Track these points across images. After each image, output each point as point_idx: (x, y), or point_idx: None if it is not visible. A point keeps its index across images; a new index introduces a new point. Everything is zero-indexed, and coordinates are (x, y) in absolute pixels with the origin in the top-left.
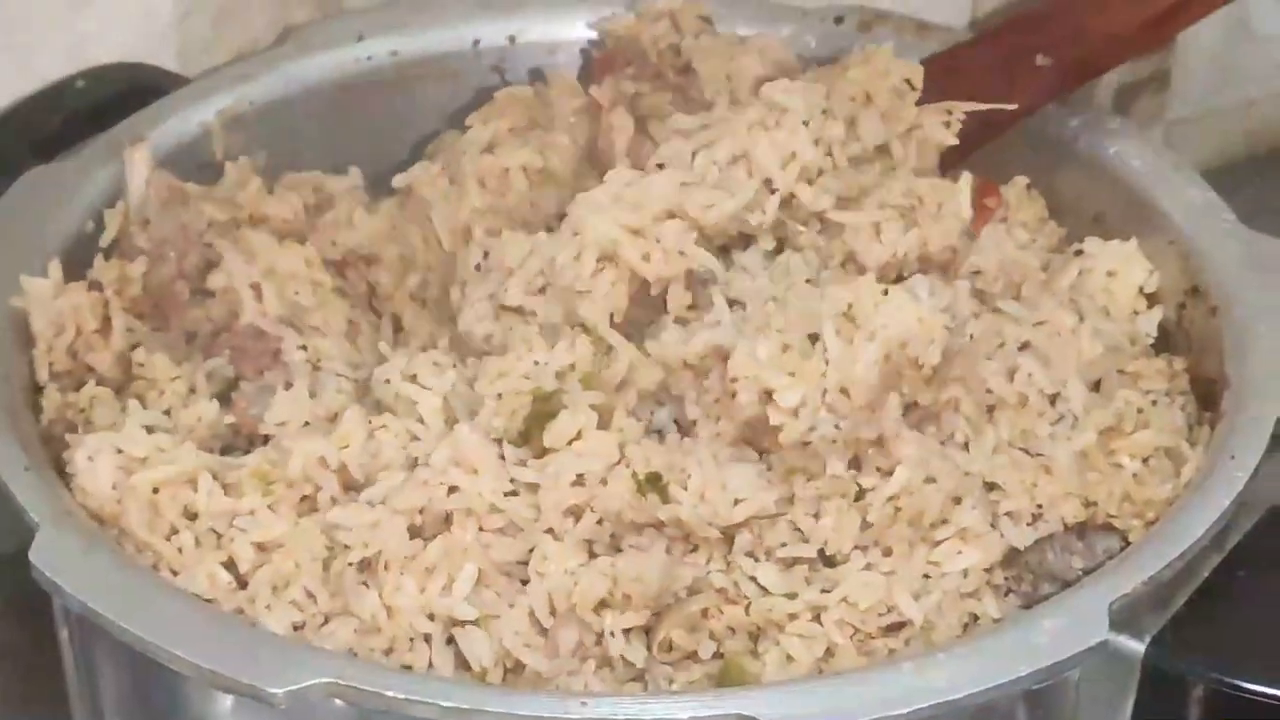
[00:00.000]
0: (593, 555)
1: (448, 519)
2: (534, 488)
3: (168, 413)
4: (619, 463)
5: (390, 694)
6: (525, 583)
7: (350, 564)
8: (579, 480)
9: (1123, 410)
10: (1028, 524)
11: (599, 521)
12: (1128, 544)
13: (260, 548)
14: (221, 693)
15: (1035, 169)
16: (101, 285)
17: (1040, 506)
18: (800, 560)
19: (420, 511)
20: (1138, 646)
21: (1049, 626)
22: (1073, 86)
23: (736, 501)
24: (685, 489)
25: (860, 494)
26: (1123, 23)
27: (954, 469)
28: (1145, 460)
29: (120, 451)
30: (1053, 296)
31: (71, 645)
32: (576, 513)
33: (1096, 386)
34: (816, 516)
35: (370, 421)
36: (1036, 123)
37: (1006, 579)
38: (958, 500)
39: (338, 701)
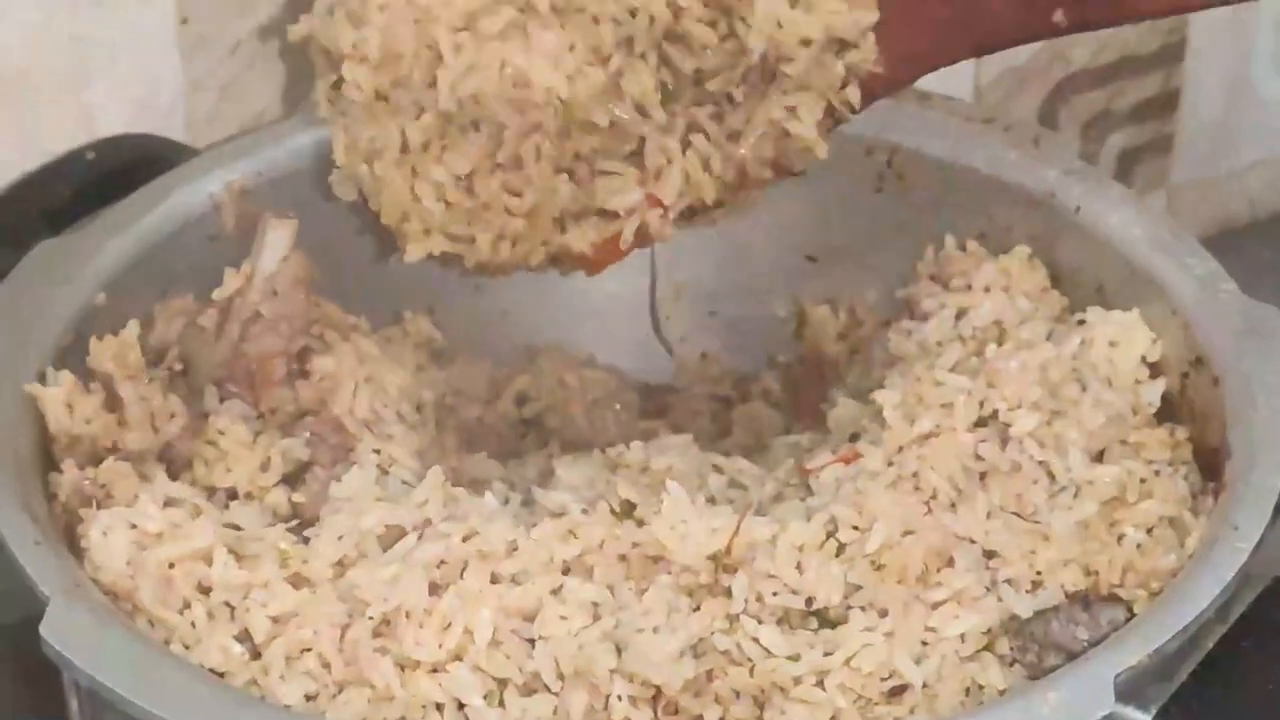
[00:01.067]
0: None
1: (463, 571)
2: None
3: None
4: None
5: None
6: (533, 641)
7: (370, 619)
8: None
9: (1125, 480)
10: (1027, 591)
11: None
12: (1132, 615)
13: (275, 619)
14: None
15: (1037, 238)
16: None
17: (1039, 574)
18: (793, 611)
19: (439, 565)
20: (1144, 719)
21: (1054, 699)
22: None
23: (713, 530)
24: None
25: (840, 549)
26: None
27: (935, 524)
28: (1149, 530)
29: (134, 527)
30: (1055, 366)
31: (81, 717)
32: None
33: (1100, 456)
34: (799, 569)
35: None
36: (1038, 191)
37: (1012, 649)
38: (950, 562)
39: None
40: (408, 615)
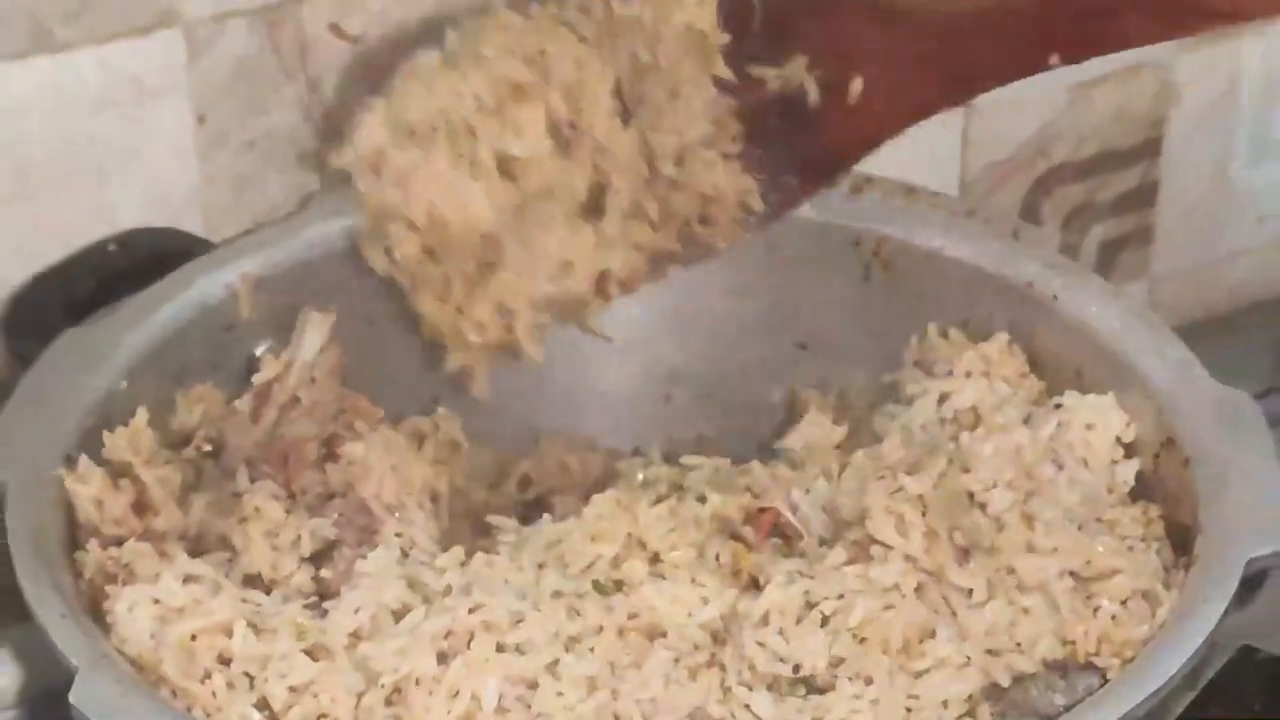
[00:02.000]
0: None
1: (469, 642)
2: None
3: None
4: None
5: None
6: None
7: (382, 686)
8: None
9: (1101, 555)
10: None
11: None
12: (1106, 681)
13: (293, 689)
14: None
15: (1017, 326)
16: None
17: (1019, 644)
18: (782, 679)
19: (446, 636)
20: None
21: None
22: None
23: (705, 600)
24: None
25: (825, 620)
26: None
27: (915, 603)
28: (1123, 602)
29: (158, 602)
30: (1029, 448)
31: None
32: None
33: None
34: (785, 637)
35: None
36: (1018, 281)
37: (993, 715)
38: (932, 634)
39: None
40: (418, 683)
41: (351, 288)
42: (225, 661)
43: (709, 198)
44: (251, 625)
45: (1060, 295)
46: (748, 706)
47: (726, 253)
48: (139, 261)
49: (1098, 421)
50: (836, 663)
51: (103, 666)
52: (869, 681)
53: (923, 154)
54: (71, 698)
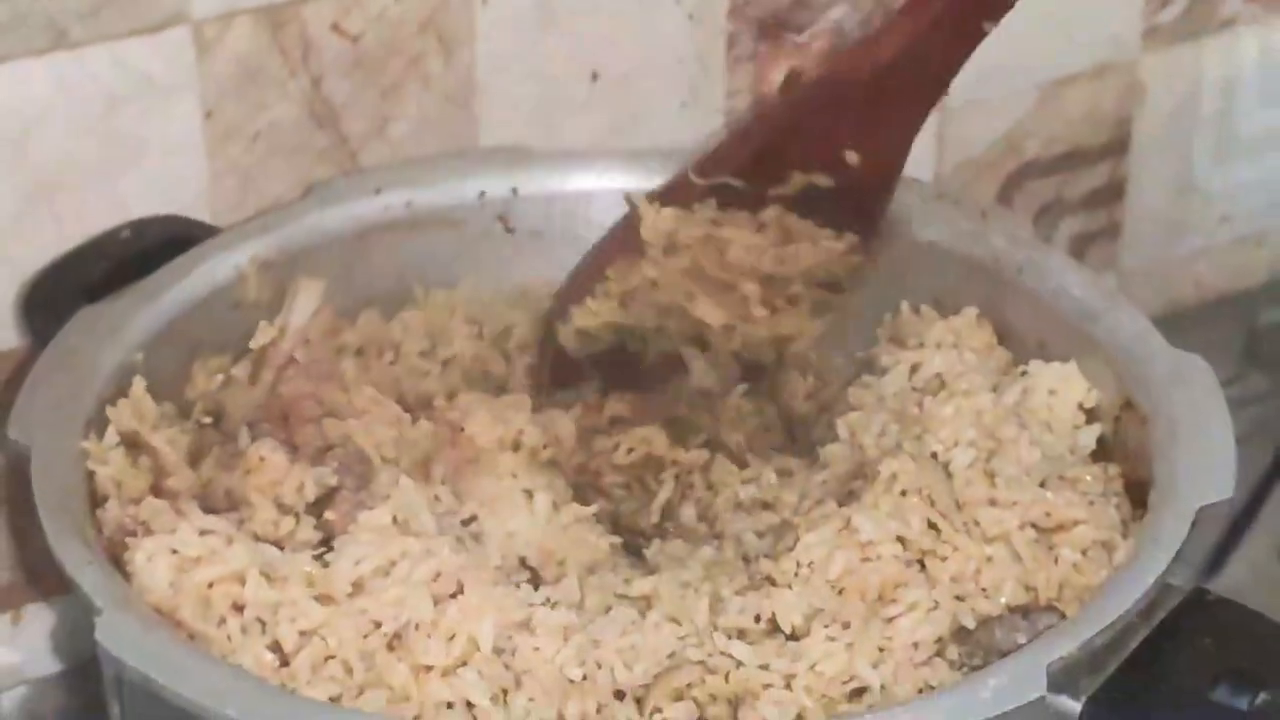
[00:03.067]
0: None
1: (456, 592)
2: None
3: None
4: None
5: None
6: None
7: (384, 634)
8: None
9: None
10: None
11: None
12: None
13: (303, 633)
14: None
15: (985, 301)
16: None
17: (985, 590)
18: (758, 630)
19: (435, 579)
20: (1074, 705)
21: (993, 684)
22: None
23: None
24: None
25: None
26: None
27: (892, 558)
28: (1084, 552)
29: (176, 552)
30: (990, 411)
31: None
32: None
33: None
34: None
35: None
36: (986, 258)
37: (960, 655)
38: (904, 583)
39: None
40: (417, 627)
41: (352, 271)
42: (239, 609)
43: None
44: (264, 574)
45: (1025, 270)
46: (728, 653)
47: None
48: (150, 247)
49: (1060, 387)
50: (813, 614)
51: (126, 608)
52: (845, 626)
53: None
54: (97, 635)
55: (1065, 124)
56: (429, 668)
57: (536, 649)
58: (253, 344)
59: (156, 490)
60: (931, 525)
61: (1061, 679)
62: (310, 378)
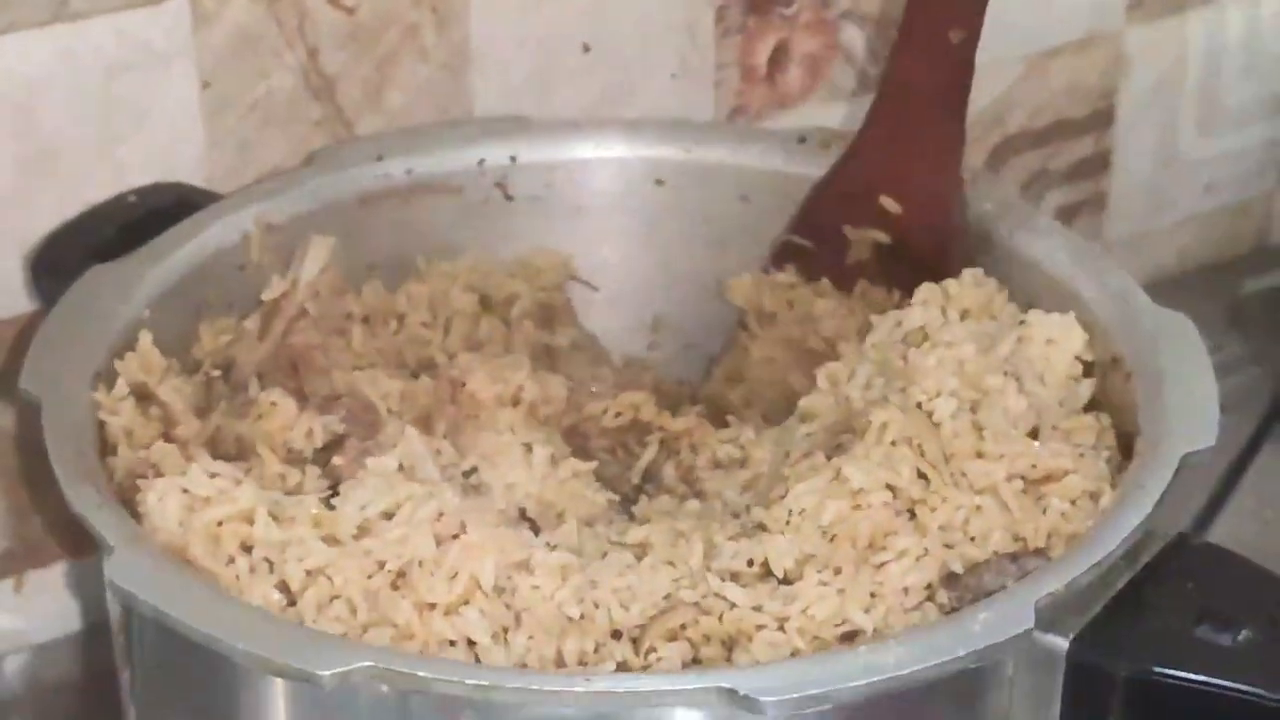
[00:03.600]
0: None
1: (458, 533)
2: None
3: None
4: None
5: (422, 674)
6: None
7: (388, 572)
8: None
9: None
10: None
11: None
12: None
13: (309, 572)
14: (275, 679)
15: (978, 264)
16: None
17: (974, 538)
18: (751, 574)
19: (439, 519)
20: (1062, 643)
21: (982, 618)
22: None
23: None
24: None
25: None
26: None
27: (883, 503)
28: (1073, 501)
29: (186, 492)
30: (973, 362)
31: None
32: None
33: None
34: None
35: None
36: (979, 225)
37: (949, 598)
38: (894, 531)
39: (383, 688)
40: (420, 565)
41: (355, 237)
42: (247, 549)
43: None
44: (272, 515)
45: (1015, 234)
46: (721, 595)
47: (706, 206)
48: (155, 212)
49: (1059, 337)
50: (805, 560)
51: (136, 546)
52: (837, 571)
53: None
54: (107, 572)
55: (1051, 96)
56: (432, 605)
57: (535, 587)
58: (264, 296)
59: (166, 439)
60: (921, 475)
61: (1049, 617)
62: (320, 330)
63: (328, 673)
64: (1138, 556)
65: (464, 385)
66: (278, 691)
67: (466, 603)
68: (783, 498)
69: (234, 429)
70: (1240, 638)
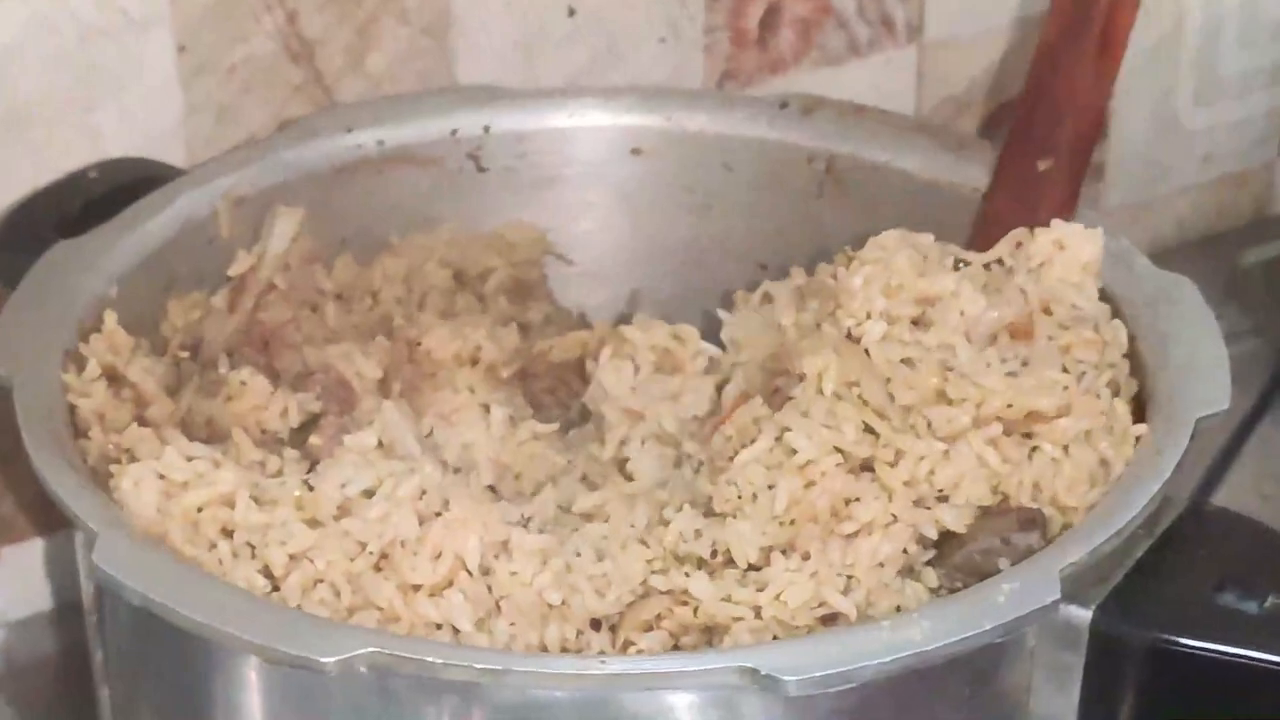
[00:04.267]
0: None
1: (442, 510)
2: None
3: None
4: None
5: (430, 659)
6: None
7: (370, 553)
8: None
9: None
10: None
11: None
12: (1048, 541)
13: (292, 556)
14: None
15: (965, 230)
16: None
17: (942, 492)
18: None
19: (421, 496)
20: (1085, 614)
21: (1007, 589)
22: (1081, 169)
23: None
24: None
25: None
26: (1079, 75)
27: (835, 472)
28: (1065, 448)
29: (162, 477)
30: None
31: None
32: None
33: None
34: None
35: None
36: (965, 188)
37: (940, 577)
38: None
39: (387, 670)
40: (403, 545)
41: (327, 208)
42: (228, 533)
43: None
44: (253, 498)
45: None
46: (687, 590)
47: (686, 175)
48: (119, 187)
49: (1071, 242)
50: (768, 549)
51: (120, 530)
52: (806, 557)
53: (878, 91)
54: (95, 557)
55: None
56: (416, 587)
57: (514, 573)
58: (231, 271)
59: (139, 422)
60: (869, 429)
61: (1070, 587)
62: (290, 304)
63: (331, 659)
64: (1154, 525)
65: (419, 344)
66: (253, 669)
67: (450, 584)
68: (728, 466)
69: (205, 409)
70: (1267, 604)
